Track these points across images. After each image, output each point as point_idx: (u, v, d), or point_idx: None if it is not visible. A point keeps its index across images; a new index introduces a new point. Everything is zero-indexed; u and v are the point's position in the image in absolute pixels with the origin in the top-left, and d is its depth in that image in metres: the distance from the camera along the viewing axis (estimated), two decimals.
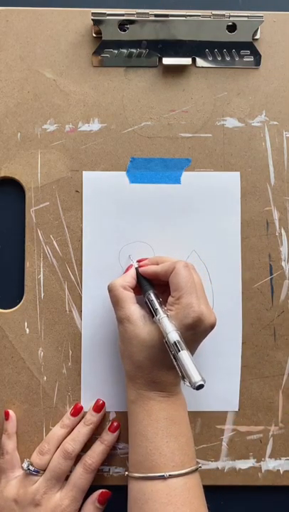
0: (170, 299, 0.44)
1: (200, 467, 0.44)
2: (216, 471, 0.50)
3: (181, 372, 0.39)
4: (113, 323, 0.50)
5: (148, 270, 0.47)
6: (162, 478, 0.41)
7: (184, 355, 0.39)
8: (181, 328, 0.42)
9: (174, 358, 0.40)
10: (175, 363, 0.40)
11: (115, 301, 0.46)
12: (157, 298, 0.45)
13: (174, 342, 0.40)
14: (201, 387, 0.38)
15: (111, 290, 0.46)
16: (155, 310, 0.43)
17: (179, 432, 0.43)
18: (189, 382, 0.38)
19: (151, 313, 0.44)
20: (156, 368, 0.43)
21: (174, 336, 0.40)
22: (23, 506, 0.45)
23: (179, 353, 0.40)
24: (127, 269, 0.49)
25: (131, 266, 0.49)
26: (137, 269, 0.48)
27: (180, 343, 0.40)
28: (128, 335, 0.44)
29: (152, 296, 0.45)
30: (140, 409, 0.44)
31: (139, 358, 0.43)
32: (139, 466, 0.43)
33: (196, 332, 0.43)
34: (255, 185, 0.51)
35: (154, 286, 0.47)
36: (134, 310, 0.45)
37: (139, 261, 0.49)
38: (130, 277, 0.47)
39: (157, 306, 0.44)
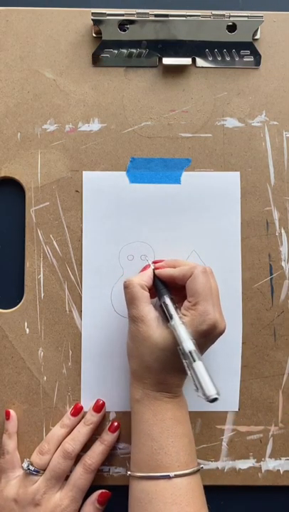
0: (186, 304, 0.44)
1: (202, 468, 0.44)
2: (216, 471, 0.50)
3: (195, 383, 0.39)
4: (113, 323, 0.50)
5: (165, 273, 0.47)
6: (167, 477, 0.41)
7: (200, 366, 0.38)
8: (195, 335, 0.42)
9: (188, 368, 0.39)
10: (189, 373, 0.39)
11: (130, 298, 0.45)
12: (173, 303, 0.44)
13: (190, 351, 0.40)
14: (215, 400, 0.37)
15: (127, 287, 0.45)
16: (170, 315, 0.43)
17: (183, 432, 0.43)
18: (203, 394, 0.37)
19: (166, 317, 0.44)
20: (166, 370, 0.43)
21: (189, 345, 0.40)
22: (23, 506, 0.45)
23: (194, 364, 0.39)
24: (144, 269, 0.49)
25: (148, 266, 0.48)
26: (153, 270, 0.48)
27: (195, 352, 0.39)
28: (140, 335, 0.44)
29: (168, 301, 0.44)
30: (146, 409, 0.44)
31: (149, 359, 0.43)
32: (143, 465, 0.43)
33: (208, 339, 0.43)
34: (255, 185, 0.51)
35: (169, 289, 0.46)
36: (148, 310, 0.44)
37: (154, 262, 0.49)
38: (148, 277, 0.47)
39: (173, 311, 0.43)
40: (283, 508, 0.51)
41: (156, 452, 0.42)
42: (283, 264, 0.51)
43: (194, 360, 0.39)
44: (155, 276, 0.47)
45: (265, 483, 0.50)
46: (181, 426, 0.43)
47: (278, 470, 0.50)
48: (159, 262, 0.49)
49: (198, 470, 0.43)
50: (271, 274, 0.51)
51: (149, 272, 0.47)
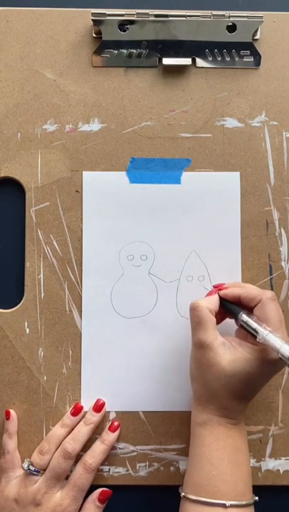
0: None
1: (256, 501, 0.43)
2: None
3: None
4: (113, 323, 0.50)
5: (231, 292, 0.45)
6: (223, 506, 0.40)
7: None
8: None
9: None
10: None
11: (198, 321, 0.43)
12: (252, 317, 0.43)
13: None
14: None
15: (195, 309, 0.44)
16: (255, 329, 0.42)
17: (243, 461, 0.43)
18: None
19: (251, 334, 0.42)
20: (232, 397, 0.42)
21: (288, 349, 0.39)
22: (23, 506, 0.46)
23: None
24: (209, 294, 0.46)
25: (213, 292, 0.46)
26: (218, 294, 0.46)
27: None
28: (207, 361, 0.42)
29: (246, 317, 0.43)
30: (208, 433, 0.43)
31: (216, 385, 0.42)
32: (200, 489, 0.42)
33: (277, 368, 0.43)
34: (255, 185, 0.52)
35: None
36: (216, 336, 0.43)
37: (215, 286, 0.47)
38: (216, 301, 0.45)
39: (255, 325, 0.42)
40: (283, 508, 0.51)
41: (215, 478, 0.41)
42: (283, 264, 0.51)
43: None
44: (223, 299, 0.45)
45: (265, 482, 0.50)
46: (241, 454, 0.43)
47: (278, 470, 0.50)
48: (221, 285, 0.47)
49: (253, 503, 0.42)
50: (271, 274, 0.51)
51: (216, 297, 0.45)
